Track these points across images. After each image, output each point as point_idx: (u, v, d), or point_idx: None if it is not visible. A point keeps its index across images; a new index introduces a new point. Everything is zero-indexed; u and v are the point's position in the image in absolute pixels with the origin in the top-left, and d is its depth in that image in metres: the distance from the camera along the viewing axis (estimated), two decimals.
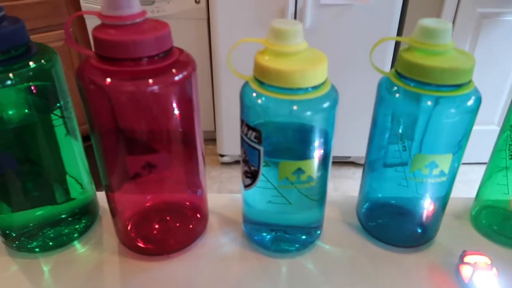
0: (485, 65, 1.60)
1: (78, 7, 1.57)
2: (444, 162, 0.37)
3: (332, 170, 1.82)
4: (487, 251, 0.43)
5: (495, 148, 0.44)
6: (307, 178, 0.37)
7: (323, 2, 1.43)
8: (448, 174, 0.38)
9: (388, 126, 0.39)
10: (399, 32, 1.57)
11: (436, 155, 0.37)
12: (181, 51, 0.37)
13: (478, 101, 0.36)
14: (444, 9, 1.52)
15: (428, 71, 0.34)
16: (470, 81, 0.36)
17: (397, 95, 0.37)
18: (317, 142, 0.36)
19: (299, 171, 0.36)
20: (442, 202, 0.42)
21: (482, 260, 0.39)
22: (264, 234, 0.42)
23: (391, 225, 0.45)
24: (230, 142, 1.72)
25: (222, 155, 1.77)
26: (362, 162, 1.75)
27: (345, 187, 1.69)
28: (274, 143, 0.36)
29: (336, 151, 1.77)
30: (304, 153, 0.37)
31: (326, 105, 0.35)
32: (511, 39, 1.56)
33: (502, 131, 0.43)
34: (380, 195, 0.45)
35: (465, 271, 0.39)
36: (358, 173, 1.75)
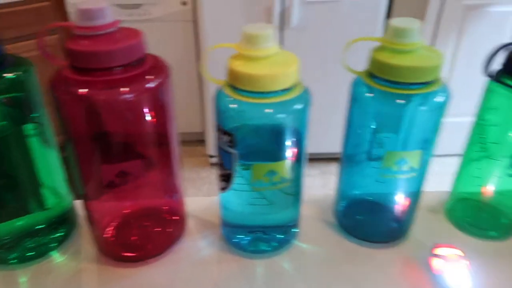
0: (472, 56, 1.61)
1: (64, 14, 1.57)
2: (413, 158, 0.38)
3: (321, 167, 1.84)
4: (461, 243, 0.43)
5: (468, 141, 0.44)
6: (280, 179, 0.38)
7: None
8: (418, 170, 0.39)
9: (361, 124, 0.40)
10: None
11: (406, 152, 0.38)
12: (155, 58, 0.38)
13: (447, 97, 0.37)
14: (430, 2, 1.53)
15: (397, 70, 0.35)
16: (439, 78, 0.36)
17: (369, 94, 0.37)
18: (289, 144, 0.37)
19: (272, 172, 0.37)
20: (415, 197, 0.43)
21: (452, 252, 0.40)
22: (241, 236, 0.43)
23: (367, 221, 0.46)
24: None
25: (211, 156, 1.77)
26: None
27: (334, 183, 1.70)
28: (248, 146, 0.37)
29: (325, 147, 1.78)
30: (276, 155, 0.37)
31: (297, 107, 0.35)
32: (496, 30, 1.56)
33: (474, 124, 0.43)
34: (355, 193, 0.45)
35: (436, 263, 0.40)
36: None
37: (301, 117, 0.37)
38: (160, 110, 0.37)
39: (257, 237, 0.43)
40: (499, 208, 0.46)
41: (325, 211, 0.48)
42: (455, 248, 0.40)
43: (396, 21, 0.35)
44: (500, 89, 0.38)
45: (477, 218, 0.47)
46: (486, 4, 1.53)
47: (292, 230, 0.44)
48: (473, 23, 1.56)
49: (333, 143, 1.70)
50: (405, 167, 0.38)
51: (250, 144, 0.37)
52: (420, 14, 1.56)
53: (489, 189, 0.44)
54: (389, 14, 1.54)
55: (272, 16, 1.45)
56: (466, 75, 1.64)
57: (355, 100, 0.38)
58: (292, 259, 0.42)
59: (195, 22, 1.60)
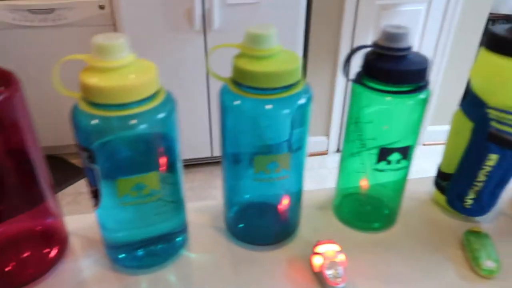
0: None
1: None
2: (283, 160, 0.39)
3: None
4: (345, 238, 0.45)
5: (345, 139, 0.46)
6: (150, 191, 0.37)
7: (230, 1, 1.44)
8: (291, 171, 0.40)
9: (233, 130, 0.40)
10: (307, 26, 1.62)
11: (275, 155, 0.38)
12: (4, 72, 0.35)
13: (309, 99, 0.38)
14: (346, 2, 1.60)
15: (256, 76, 0.35)
16: (300, 80, 0.37)
17: (235, 101, 0.37)
18: (158, 154, 0.36)
19: (140, 186, 0.36)
20: (296, 197, 0.44)
21: (331, 248, 0.41)
22: (123, 253, 0.42)
23: (253, 225, 0.46)
24: None
25: None
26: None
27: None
28: (109, 161, 0.36)
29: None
30: (143, 167, 0.36)
31: (161, 116, 0.35)
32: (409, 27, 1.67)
33: (348, 123, 0.45)
34: (239, 198, 0.46)
35: (316, 261, 0.41)
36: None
37: (167, 125, 0.36)
38: (13, 127, 0.35)
39: (141, 251, 0.42)
40: (382, 199, 0.49)
41: (216, 218, 0.48)
42: (334, 243, 0.42)
43: (253, 29, 0.35)
44: (363, 90, 0.40)
45: (361, 211, 0.49)
46: (397, 4, 1.63)
47: (177, 239, 0.43)
48: (387, 22, 1.65)
49: None
50: (277, 170, 0.39)
51: (111, 158, 0.36)
52: (338, 15, 1.63)
53: (370, 182, 0.46)
54: (308, 16, 1.59)
55: (193, 19, 1.43)
56: None
57: (223, 107, 0.38)
58: (179, 270, 0.42)
59: (115, 26, 1.54)
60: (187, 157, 1.76)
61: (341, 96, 1.81)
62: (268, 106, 0.36)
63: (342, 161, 0.47)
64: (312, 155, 1.94)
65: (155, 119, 0.34)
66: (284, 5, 1.47)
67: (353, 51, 0.38)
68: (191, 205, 0.50)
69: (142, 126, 0.34)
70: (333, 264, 0.40)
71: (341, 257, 0.41)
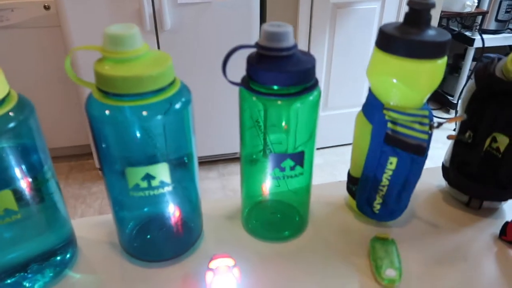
0: (345, 51, 1.70)
1: None
2: (161, 171, 0.36)
3: (219, 168, 1.82)
4: (250, 250, 0.43)
5: (240, 145, 0.43)
6: (4, 212, 0.33)
7: (180, 1, 1.40)
8: (172, 184, 0.37)
9: (105, 141, 0.36)
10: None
11: (149, 167, 0.35)
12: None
13: (186, 103, 0.35)
14: (300, 2, 1.58)
15: (116, 81, 0.31)
16: (174, 82, 0.34)
17: (99, 110, 0.33)
18: (17, 170, 0.33)
19: None
20: (189, 209, 0.41)
21: (224, 263, 0.39)
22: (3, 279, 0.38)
23: (146, 241, 0.43)
24: None
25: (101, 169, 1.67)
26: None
27: (234, 184, 1.69)
28: None
29: (224, 149, 1.75)
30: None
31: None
32: (363, 25, 1.67)
33: (240, 129, 0.41)
34: (124, 214, 0.42)
35: (208, 276, 0.38)
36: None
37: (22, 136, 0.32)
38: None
39: (18, 277, 0.38)
40: (285, 208, 0.47)
41: (110, 233, 0.44)
42: (228, 257, 0.39)
43: (111, 29, 0.32)
44: (248, 94, 0.37)
45: (271, 220, 0.47)
46: (352, 2, 1.63)
47: (54, 259, 0.39)
48: (342, 20, 1.65)
49: (232, 144, 1.70)
50: (155, 182, 0.36)
51: None
52: (293, 15, 1.61)
53: (270, 190, 0.44)
54: (262, 16, 1.57)
55: (143, 19, 1.39)
56: (342, 69, 1.74)
57: (89, 117, 0.34)
58: None
59: (61, 27, 1.48)
60: None
61: None
62: (134, 114, 0.33)
63: (241, 168, 0.44)
64: None
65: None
66: (237, 5, 1.44)
67: (231, 52, 0.35)
68: (84, 220, 0.47)
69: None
70: (224, 280, 0.37)
71: (235, 272, 0.38)
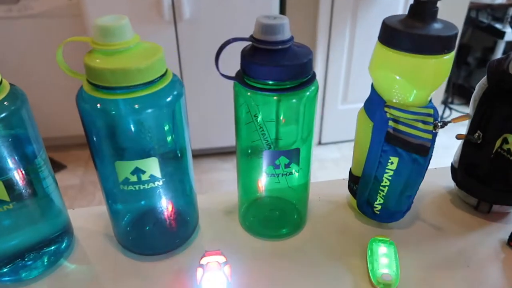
0: (366, 43, 1.66)
1: None
2: (151, 165, 0.35)
3: (234, 159, 1.82)
4: (245, 246, 0.42)
5: (236, 141, 0.42)
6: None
7: None
8: (163, 178, 0.36)
9: (97, 134, 0.35)
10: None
11: (139, 161, 0.35)
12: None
13: (178, 96, 0.34)
14: None
15: (105, 74, 0.31)
16: (166, 74, 0.34)
17: (89, 104, 0.33)
18: (8, 161, 0.33)
19: None
20: (183, 204, 0.41)
21: (215, 260, 0.38)
22: None
23: (140, 234, 0.43)
24: None
25: None
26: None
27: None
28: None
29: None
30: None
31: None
32: (385, 15, 1.61)
33: (235, 124, 0.40)
34: (120, 207, 0.41)
35: (199, 272, 0.38)
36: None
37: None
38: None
39: (15, 264, 0.38)
40: (284, 205, 0.46)
41: (107, 225, 0.44)
42: (220, 255, 0.39)
43: (101, 20, 0.32)
44: (242, 89, 0.36)
45: (268, 218, 0.46)
46: None
47: (49, 249, 0.39)
48: (364, 11, 1.60)
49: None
50: (145, 177, 0.35)
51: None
52: (313, 6, 1.58)
53: (266, 187, 0.43)
54: (282, 6, 1.54)
55: (162, 9, 1.39)
56: (364, 62, 1.69)
57: (79, 111, 0.34)
58: (52, 284, 0.39)
59: (82, 17, 1.50)
60: None
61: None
62: (123, 107, 0.32)
63: (237, 164, 0.43)
64: None
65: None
66: None
67: (224, 44, 0.34)
68: (83, 210, 0.47)
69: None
70: (214, 277, 0.37)
71: (226, 269, 0.38)
